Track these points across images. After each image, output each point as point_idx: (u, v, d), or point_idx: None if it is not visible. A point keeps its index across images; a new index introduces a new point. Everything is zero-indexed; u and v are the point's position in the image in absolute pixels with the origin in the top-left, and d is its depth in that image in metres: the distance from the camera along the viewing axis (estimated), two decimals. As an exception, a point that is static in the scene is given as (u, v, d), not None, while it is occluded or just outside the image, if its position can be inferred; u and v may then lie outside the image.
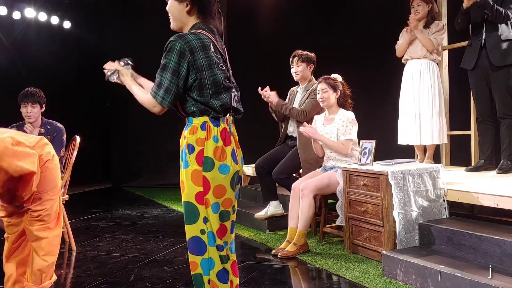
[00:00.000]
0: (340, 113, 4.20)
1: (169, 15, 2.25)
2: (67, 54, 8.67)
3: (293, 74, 4.76)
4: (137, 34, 8.70)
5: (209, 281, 2.13)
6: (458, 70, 4.97)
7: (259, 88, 4.69)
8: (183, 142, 2.17)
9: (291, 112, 4.60)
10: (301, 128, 4.23)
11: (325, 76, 4.27)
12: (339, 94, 4.23)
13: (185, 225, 2.16)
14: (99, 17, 8.99)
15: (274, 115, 4.90)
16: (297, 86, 4.91)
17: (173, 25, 2.27)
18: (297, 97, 4.79)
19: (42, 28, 8.26)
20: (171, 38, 2.11)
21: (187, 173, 2.12)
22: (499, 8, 4.17)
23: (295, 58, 4.72)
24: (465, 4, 4.34)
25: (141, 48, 8.68)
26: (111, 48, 9.05)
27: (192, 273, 2.16)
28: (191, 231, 2.14)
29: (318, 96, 4.25)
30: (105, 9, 8.91)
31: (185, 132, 2.17)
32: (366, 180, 3.74)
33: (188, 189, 2.12)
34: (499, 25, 4.26)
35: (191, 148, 2.11)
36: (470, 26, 4.59)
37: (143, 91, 2.22)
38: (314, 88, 4.61)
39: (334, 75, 4.32)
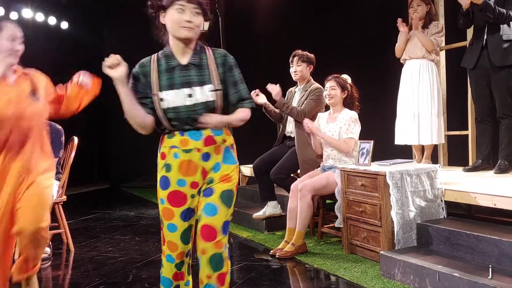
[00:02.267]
0: (344, 113, 4.20)
1: (193, 26, 2.26)
2: (65, 54, 8.65)
3: (292, 74, 4.76)
4: (135, 34, 8.68)
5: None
6: (455, 70, 4.98)
7: (252, 92, 4.67)
8: (224, 144, 2.32)
9: (291, 111, 4.59)
10: (306, 121, 4.22)
11: (336, 74, 4.28)
12: (346, 94, 4.24)
13: (224, 209, 2.27)
14: (96, 18, 8.98)
15: (269, 115, 4.90)
16: (295, 86, 4.91)
17: (194, 35, 2.30)
18: (296, 98, 4.79)
19: (39, 29, 8.25)
20: (228, 54, 2.41)
21: (236, 168, 2.37)
22: (500, 9, 4.17)
23: (295, 58, 4.71)
24: (464, 6, 4.34)
25: (139, 49, 8.69)
26: (109, 48, 9.05)
27: (217, 251, 2.25)
28: (227, 215, 2.30)
29: (325, 93, 4.26)
30: (102, 9, 8.91)
31: (224, 136, 2.30)
32: (364, 180, 3.74)
33: (235, 180, 2.35)
34: (501, 25, 4.26)
35: (234, 147, 2.39)
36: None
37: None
38: (313, 89, 4.61)
39: (344, 76, 4.32)
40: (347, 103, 4.26)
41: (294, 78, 4.78)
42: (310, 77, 4.77)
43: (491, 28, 4.31)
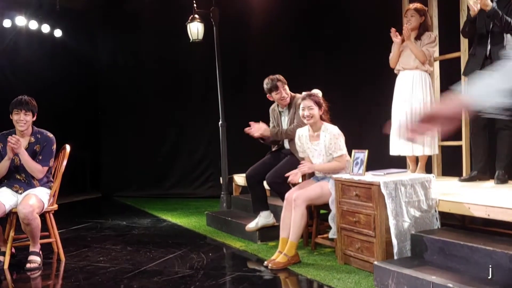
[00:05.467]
0: (324, 129, 4.14)
1: None
2: (58, 62, 8.64)
3: (281, 101, 4.69)
4: (127, 43, 8.70)
5: None
6: (448, 81, 4.98)
7: (246, 129, 4.65)
8: None
9: (287, 135, 4.58)
10: (294, 174, 4.12)
11: (309, 92, 4.23)
12: (323, 110, 4.19)
13: None
14: (90, 26, 8.98)
15: (265, 143, 4.86)
16: (276, 105, 4.87)
17: None
18: (284, 118, 4.77)
19: (33, 37, 8.22)
20: None
21: None
22: (507, 18, 4.18)
23: (280, 83, 4.63)
24: (473, 13, 4.34)
25: (132, 57, 8.70)
26: (102, 56, 9.05)
27: None
28: None
29: (304, 113, 4.13)
30: (96, 18, 8.91)
31: None
32: (358, 190, 3.72)
33: None
34: (504, 35, 4.26)
35: None
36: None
37: None
38: (296, 101, 4.60)
39: (315, 91, 4.30)
40: (322, 117, 4.22)
41: (283, 104, 4.71)
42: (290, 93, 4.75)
43: (494, 37, 4.29)
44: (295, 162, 4.53)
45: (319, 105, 4.15)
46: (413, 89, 4.73)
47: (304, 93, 4.25)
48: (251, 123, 4.65)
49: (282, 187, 4.41)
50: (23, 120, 4.18)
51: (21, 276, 3.96)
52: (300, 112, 4.20)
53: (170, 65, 8.33)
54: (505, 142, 4.35)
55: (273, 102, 4.88)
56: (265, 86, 4.72)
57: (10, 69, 7.92)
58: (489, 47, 4.33)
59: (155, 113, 8.56)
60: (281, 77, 4.69)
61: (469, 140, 4.94)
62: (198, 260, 4.23)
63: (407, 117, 4.74)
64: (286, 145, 4.80)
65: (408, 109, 4.73)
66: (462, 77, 4.69)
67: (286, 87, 4.69)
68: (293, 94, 4.73)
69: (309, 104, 4.13)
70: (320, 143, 4.15)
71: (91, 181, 9.79)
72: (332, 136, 4.10)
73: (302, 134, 4.31)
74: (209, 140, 8.08)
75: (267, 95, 4.76)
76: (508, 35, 4.26)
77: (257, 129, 4.61)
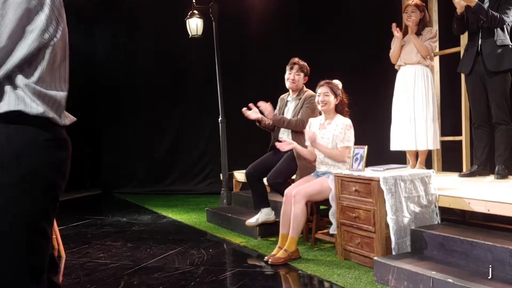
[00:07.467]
0: (337, 119, 4.17)
1: None
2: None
3: (288, 81, 4.68)
4: (126, 39, 8.68)
5: None
6: (449, 76, 4.98)
7: (244, 109, 4.67)
8: None
9: (289, 124, 4.57)
10: (306, 136, 4.18)
11: (328, 80, 4.24)
12: (338, 100, 4.21)
13: None
14: (87, 22, 8.94)
15: (262, 127, 4.87)
16: (286, 94, 4.88)
17: None
18: (289, 107, 4.75)
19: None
20: None
21: None
22: (494, 13, 4.17)
23: (296, 66, 4.64)
24: (459, 11, 4.36)
25: (130, 54, 8.68)
26: (101, 53, 9.03)
27: None
28: None
29: (319, 99, 4.18)
30: (94, 14, 8.88)
31: None
32: (358, 186, 3.72)
33: None
34: (495, 30, 4.26)
35: None
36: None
37: None
38: (307, 96, 4.60)
39: (336, 81, 4.29)
40: (338, 109, 4.24)
41: (288, 86, 4.72)
42: (303, 85, 4.74)
43: (485, 33, 4.31)
44: (294, 160, 4.53)
45: (335, 94, 4.17)
46: (415, 83, 4.73)
47: (323, 81, 4.24)
48: (261, 102, 4.64)
49: (283, 187, 4.40)
50: None
51: (22, 272, 3.96)
52: (316, 97, 4.22)
53: (169, 61, 8.31)
54: (502, 136, 4.36)
55: (284, 91, 4.90)
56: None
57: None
58: (479, 42, 4.33)
59: (155, 109, 8.54)
60: (304, 65, 4.69)
61: (469, 135, 4.94)
62: (199, 256, 4.23)
63: (409, 112, 4.74)
64: (280, 137, 4.79)
65: (410, 104, 4.73)
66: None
67: (302, 75, 4.67)
68: (306, 88, 4.72)
69: (325, 90, 4.16)
70: (328, 132, 4.15)
71: (91, 177, 9.79)
72: (343, 126, 4.10)
73: (313, 122, 4.33)
74: (209, 137, 8.07)
75: None
76: (499, 30, 4.26)
77: (264, 108, 4.61)
